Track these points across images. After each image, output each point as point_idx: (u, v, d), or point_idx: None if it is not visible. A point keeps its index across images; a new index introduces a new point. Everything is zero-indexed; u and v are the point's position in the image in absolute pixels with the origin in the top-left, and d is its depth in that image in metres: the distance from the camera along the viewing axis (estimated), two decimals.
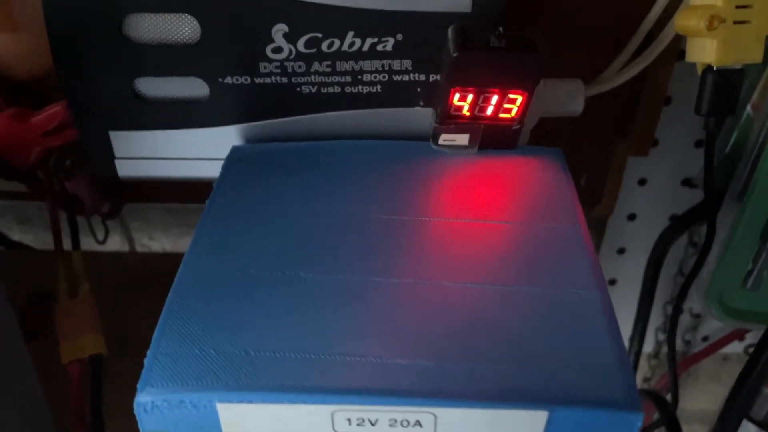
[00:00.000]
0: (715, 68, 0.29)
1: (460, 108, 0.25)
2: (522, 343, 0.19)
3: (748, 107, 0.35)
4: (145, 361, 0.19)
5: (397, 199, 0.24)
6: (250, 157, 0.27)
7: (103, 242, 0.41)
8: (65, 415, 0.33)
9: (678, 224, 0.40)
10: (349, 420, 0.18)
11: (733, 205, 0.34)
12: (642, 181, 0.45)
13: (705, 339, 0.54)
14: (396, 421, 0.18)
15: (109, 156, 0.29)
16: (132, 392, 0.19)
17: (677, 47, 0.35)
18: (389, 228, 0.23)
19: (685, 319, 0.52)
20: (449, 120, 0.26)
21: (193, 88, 0.27)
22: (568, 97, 0.30)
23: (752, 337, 0.53)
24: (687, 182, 0.45)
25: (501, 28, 0.24)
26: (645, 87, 0.37)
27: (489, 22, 0.25)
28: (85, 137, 0.29)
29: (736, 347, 0.53)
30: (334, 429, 0.18)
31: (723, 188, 0.34)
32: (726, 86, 0.30)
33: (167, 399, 0.18)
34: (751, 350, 0.53)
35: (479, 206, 0.24)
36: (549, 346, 0.19)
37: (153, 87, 0.27)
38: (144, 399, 0.18)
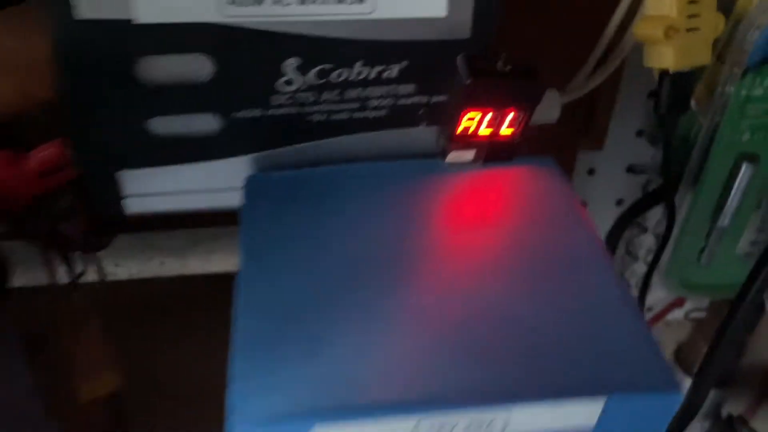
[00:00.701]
0: (671, 72, 0.33)
1: (468, 128, 0.27)
2: (570, 342, 0.22)
3: (692, 101, 0.39)
4: (232, 397, 0.20)
5: (420, 218, 0.26)
6: (269, 186, 0.28)
7: (80, 276, 0.40)
8: None
9: (633, 210, 0.44)
10: (431, 428, 0.20)
11: (686, 191, 0.38)
12: (591, 171, 0.49)
13: (649, 309, 0.59)
14: (472, 424, 0.20)
15: (116, 195, 0.29)
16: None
17: None
18: (420, 247, 0.25)
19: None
20: (458, 139, 0.28)
21: (205, 123, 0.28)
22: (546, 107, 0.32)
23: (690, 304, 0.58)
24: (631, 169, 0.49)
25: (504, 55, 0.26)
26: (600, 88, 0.40)
27: (484, 46, 0.27)
28: (92, 178, 0.29)
29: (677, 314, 0.58)
30: None
31: (679, 175, 0.38)
32: (681, 87, 0.34)
33: (264, 429, 0.19)
34: (691, 315, 0.59)
35: (498, 221, 0.26)
36: (593, 342, 0.22)
37: (165, 125, 0.28)
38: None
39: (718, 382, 0.47)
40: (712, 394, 0.52)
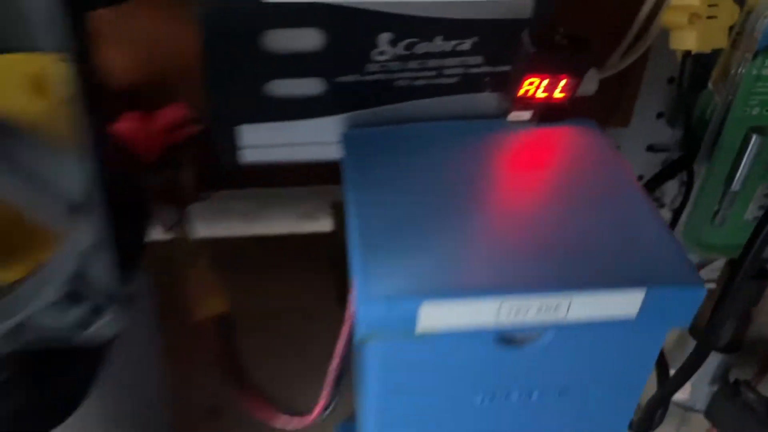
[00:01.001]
0: (693, 54, 0.39)
1: (527, 91, 0.33)
2: (618, 248, 0.28)
3: (709, 83, 0.44)
4: (356, 280, 0.26)
5: (489, 164, 0.32)
6: (363, 139, 0.34)
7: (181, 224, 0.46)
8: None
9: (655, 180, 0.49)
10: (511, 309, 0.26)
11: (702, 162, 0.44)
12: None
13: None
14: (542, 307, 0.26)
15: (235, 147, 0.35)
16: None
17: None
18: (491, 184, 0.31)
19: None
20: (519, 101, 0.34)
21: (311, 86, 0.34)
22: (586, 81, 0.38)
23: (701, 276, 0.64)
24: (651, 148, 0.55)
25: (561, 29, 0.32)
26: (628, 71, 0.46)
27: (543, 24, 0.34)
28: (217, 131, 0.35)
29: None
30: (498, 318, 0.26)
31: (696, 148, 0.44)
32: (701, 67, 0.40)
33: (382, 305, 0.25)
34: None
35: (553, 164, 0.32)
36: (634, 248, 0.28)
37: (279, 87, 0.34)
38: (363, 308, 0.26)
39: (725, 348, 0.52)
40: (720, 360, 0.57)
